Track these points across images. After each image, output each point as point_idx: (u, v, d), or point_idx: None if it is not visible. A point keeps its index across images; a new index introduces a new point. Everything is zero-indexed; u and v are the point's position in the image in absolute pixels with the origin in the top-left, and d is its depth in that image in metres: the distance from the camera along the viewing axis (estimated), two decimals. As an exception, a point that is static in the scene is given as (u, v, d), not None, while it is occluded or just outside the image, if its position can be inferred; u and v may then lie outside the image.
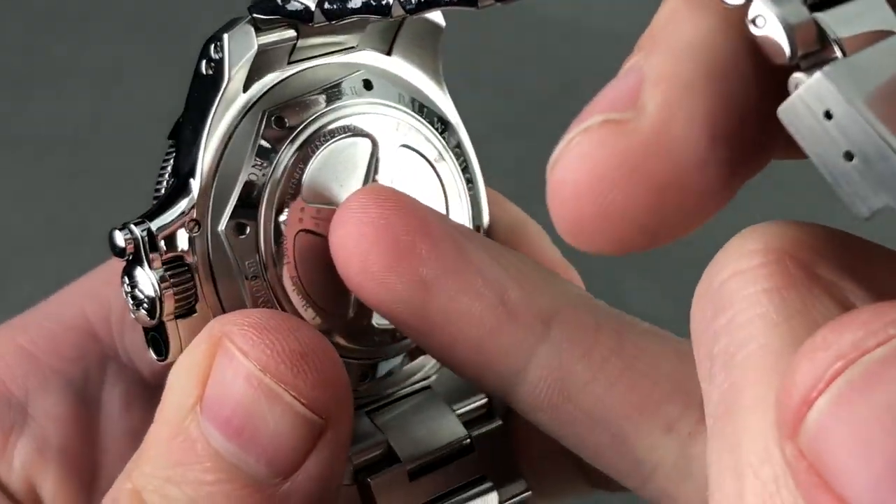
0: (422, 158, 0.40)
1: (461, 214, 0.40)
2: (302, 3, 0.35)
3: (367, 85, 0.39)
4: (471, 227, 0.41)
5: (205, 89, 0.36)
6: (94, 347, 0.41)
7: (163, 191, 0.37)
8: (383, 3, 0.34)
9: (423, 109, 0.40)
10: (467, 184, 0.41)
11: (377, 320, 0.39)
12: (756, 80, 0.28)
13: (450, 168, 0.40)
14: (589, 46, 0.95)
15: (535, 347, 0.36)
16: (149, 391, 0.41)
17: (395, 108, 0.39)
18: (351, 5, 0.35)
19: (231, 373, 0.34)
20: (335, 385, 0.35)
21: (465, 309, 0.36)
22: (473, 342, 0.36)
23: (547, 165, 0.29)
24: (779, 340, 0.27)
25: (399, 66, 0.40)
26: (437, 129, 0.40)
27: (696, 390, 0.36)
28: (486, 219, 0.41)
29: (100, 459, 0.41)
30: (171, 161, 0.37)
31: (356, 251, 0.36)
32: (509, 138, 0.87)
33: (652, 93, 0.28)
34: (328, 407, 0.34)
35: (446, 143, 0.40)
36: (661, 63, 0.28)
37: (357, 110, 0.38)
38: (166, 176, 0.37)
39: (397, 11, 0.34)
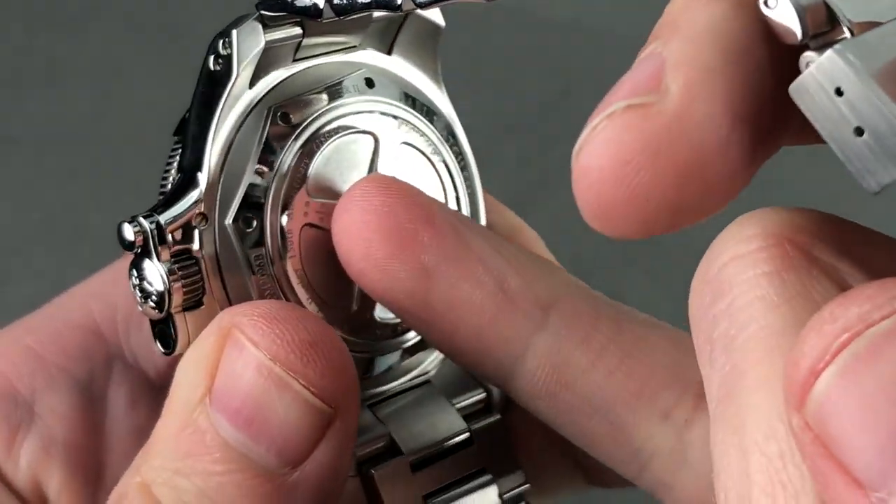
0: (422, 155, 0.40)
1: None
2: (311, 0, 0.36)
3: (369, 83, 0.39)
4: None
5: (212, 85, 0.37)
6: (100, 347, 0.41)
7: (169, 186, 0.37)
8: (393, -4, 0.34)
9: (423, 108, 0.40)
10: (465, 181, 0.41)
11: (379, 314, 0.40)
12: (771, 64, 0.29)
13: (448, 166, 0.41)
14: (589, 48, 0.95)
15: (533, 334, 0.37)
16: (154, 391, 0.41)
17: (395, 106, 0.40)
18: (361, 0, 0.35)
19: (241, 363, 0.34)
20: (343, 374, 0.35)
21: (466, 296, 0.36)
22: (473, 329, 0.37)
23: (572, 153, 0.29)
24: (780, 321, 0.27)
25: (399, 65, 0.40)
26: (435, 128, 0.41)
27: (692, 378, 0.36)
28: (482, 216, 0.42)
29: (105, 458, 0.41)
30: (178, 157, 0.37)
31: (359, 239, 0.36)
32: (509, 139, 0.88)
33: (674, 76, 0.28)
34: (337, 396, 0.34)
35: (444, 140, 0.41)
36: (680, 47, 0.28)
37: (359, 108, 0.39)
38: (172, 171, 0.37)
39: (407, 6, 0.34)
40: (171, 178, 0.37)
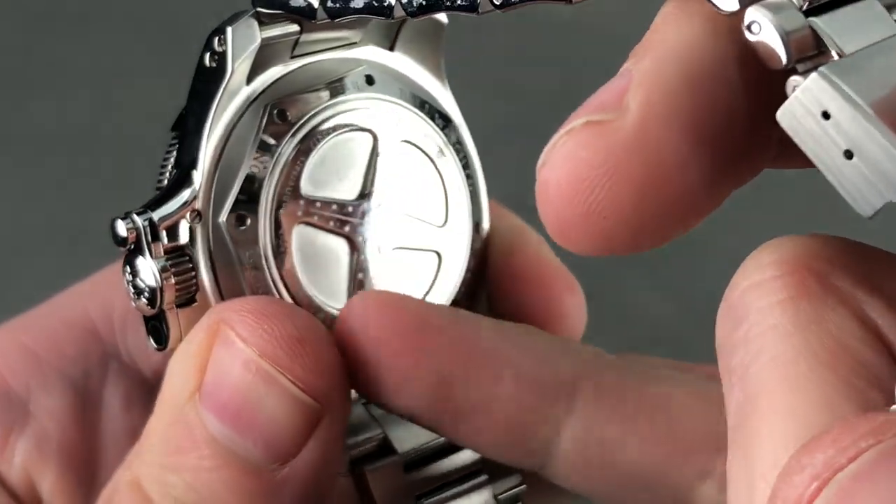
0: (422, 154, 0.40)
1: (461, 211, 0.41)
2: (305, 0, 0.36)
3: (369, 80, 0.39)
4: (470, 223, 0.41)
5: (208, 81, 0.37)
6: (96, 346, 0.41)
7: (165, 181, 0.37)
8: (385, 4, 0.34)
9: (425, 105, 0.40)
10: (467, 179, 0.41)
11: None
12: (745, 86, 0.29)
13: (450, 164, 0.40)
14: (590, 47, 0.95)
15: (562, 418, 0.36)
16: (150, 391, 0.41)
17: (396, 103, 0.39)
18: (353, 5, 0.35)
19: (229, 359, 0.34)
20: (332, 370, 0.35)
21: (487, 394, 0.36)
22: (500, 425, 0.36)
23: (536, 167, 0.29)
24: (792, 351, 0.27)
25: (401, 61, 0.40)
26: (437, 125, 0.40)
27: (722, 431, 0.36)
28: (485, 216, 0.41)
29: (100, 457, 0.41)
30: (174, 152, 0.37)
31: (367, 363, 0.36)
32: (509, 139, 0.87)
33: (634, 93, 0.28)
34: (325, 392, 0.34)
35: (447, 138, 0.40)
36: (647, 66, 0.28)
37: (358, 105, 0.39)
38: (169, 167, 0.37)
39: (398, 13, 0.34)
40: (167, 174, 0.37)
